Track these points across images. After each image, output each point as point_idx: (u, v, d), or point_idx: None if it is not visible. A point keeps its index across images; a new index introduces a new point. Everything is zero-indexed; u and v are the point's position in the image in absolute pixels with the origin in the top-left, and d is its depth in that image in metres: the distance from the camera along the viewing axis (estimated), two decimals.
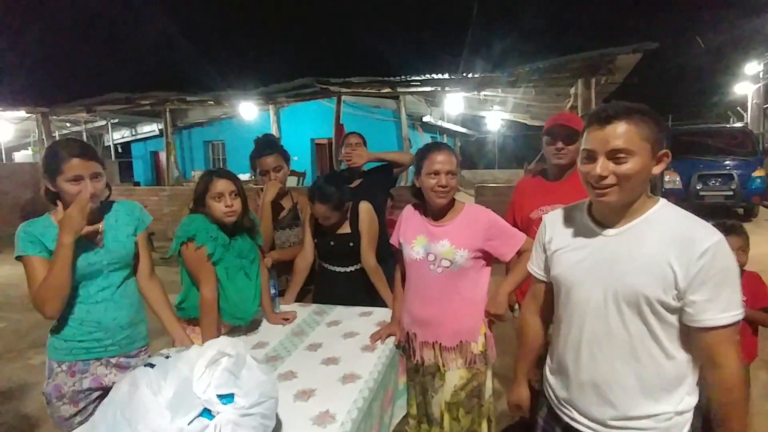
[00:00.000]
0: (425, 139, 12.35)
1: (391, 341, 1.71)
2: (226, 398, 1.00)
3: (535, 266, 1.23)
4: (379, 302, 2.02)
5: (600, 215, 1.05)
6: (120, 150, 14.02)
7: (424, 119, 11.77)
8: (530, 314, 1.28)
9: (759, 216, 8.30)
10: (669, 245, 0.92)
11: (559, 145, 1.77)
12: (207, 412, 0.98)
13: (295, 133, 10.75)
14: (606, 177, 0.95)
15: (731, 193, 7.84)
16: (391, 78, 6.58)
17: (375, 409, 1.41)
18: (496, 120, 12.83)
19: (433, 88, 6.85)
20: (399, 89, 7.24)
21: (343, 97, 7.92)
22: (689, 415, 0.99)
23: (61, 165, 1.33)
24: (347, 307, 2.03)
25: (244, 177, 8.19)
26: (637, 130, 0.93)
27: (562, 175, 1.83)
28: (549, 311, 1.22)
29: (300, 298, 2.18)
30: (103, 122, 11.87)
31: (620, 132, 0.93)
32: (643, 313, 0.95)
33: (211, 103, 8.20)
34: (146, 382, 0.99)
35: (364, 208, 2.07)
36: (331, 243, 2.05)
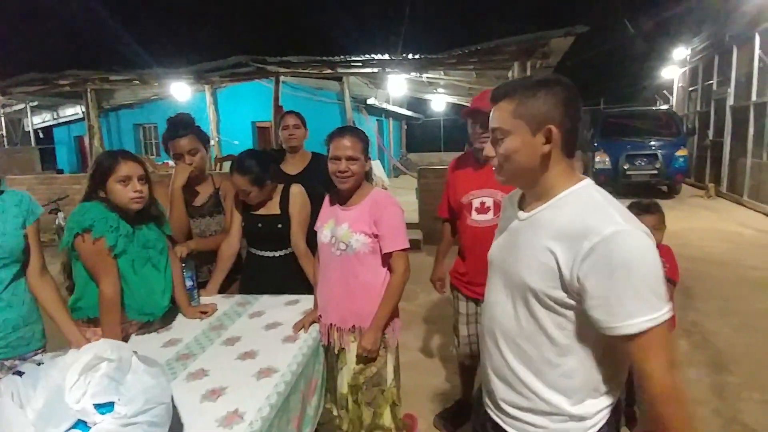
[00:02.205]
0: (370, 122, 12.23)
1: (315, 329, 1.65)
2: (105, 407, 0.89)
3: None
4: (310, 289, 1.95)
5: (522, 198, 1.00)
6: (41, 135, 12.79)
7: (369, 102, 11.63)
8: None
9: (681, 193, 9.00)
10: (558, 234, 0.84)
11: (478, 129, 1.77)
12: (82, 424, 0.87)
13: (234, 116, 10.27)
14: (494, 158, 0.94)
15: (656, 172, 8.44)
16: (332, 58, 6.39)
17: (293, 403, 1.35)
18: (440, 103, 12.94)
19: (374, 70, 6.73)
20: (340, 70, 7.07)
21: (283, 78, 7.62)
22: (592, 422, 0.88)
23: None
24: (273, 296, 1.94)
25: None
26: (511, 108, 0.88)
27: (488, 160, 1.82)
28: None
29: (226, 288, 2.05)
30: (22, 105, 10.74)
31: (496, 113, 0.91)
32: (530, 306, 0.88)
33: (137, 82, 7.59)
34: (12, 392, 0.87)
35: (296, 191, 2.01)
36: (259, 225, 1.95)
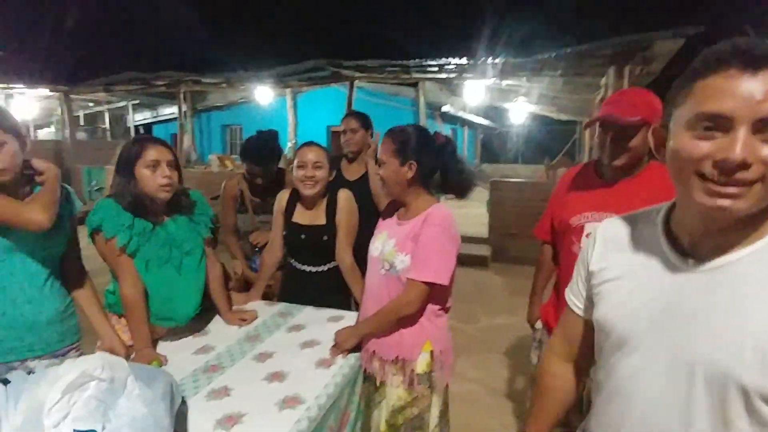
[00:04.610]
0: (445, 130, 11.95)
1: (355, 356, 1.45)
2: None
3: (573, 294, 0.84)
4: (355, 307, 1.77)
5: (690, 236, 0.64)
6: (142, 131, 14.15)
7: (444, 109, 11.35)
8: (555, 358, 0.89)
9: None
10: None
11: (610, 141, 1.34)
12: None
13: (311, 120, 10.55)
14: (749, 165, 0.53)
15: None
16: (407, 62, 6.25)
17: None
18: (520, 112, 12.29)
19: (450, 75, 6.48)
20: (415, 75, 6.89)
21: (358, 84, 7.63)
22: None
23: None
24: (317, 309, 1.77)
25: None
26: None
27: (618, 178, 1.39)
28: (586, 358, 0.84)
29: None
30: (124, 103, 11.94)
31: None
32: (727, 408, 0.57)
33: (224, 85, 8.04)
34: None
35: (343, 196, 1.82)
36: (302, 236, 1.80)
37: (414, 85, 8.74)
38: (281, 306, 1.83)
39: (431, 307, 1.38)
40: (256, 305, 1.82)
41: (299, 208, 1.83)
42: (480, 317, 3.61)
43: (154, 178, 1.37)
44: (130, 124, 12.56)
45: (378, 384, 1.44)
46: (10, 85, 8.36)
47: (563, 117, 9.86)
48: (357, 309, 1.73)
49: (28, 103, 9.98)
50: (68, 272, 1.40)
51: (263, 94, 8.36)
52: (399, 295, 1.34)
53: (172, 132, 14.00)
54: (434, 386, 1.38)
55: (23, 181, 1.27)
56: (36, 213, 1.19)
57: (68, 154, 8.74)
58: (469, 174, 1.42)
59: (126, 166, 1.38)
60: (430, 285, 1.30)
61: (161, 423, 0.84)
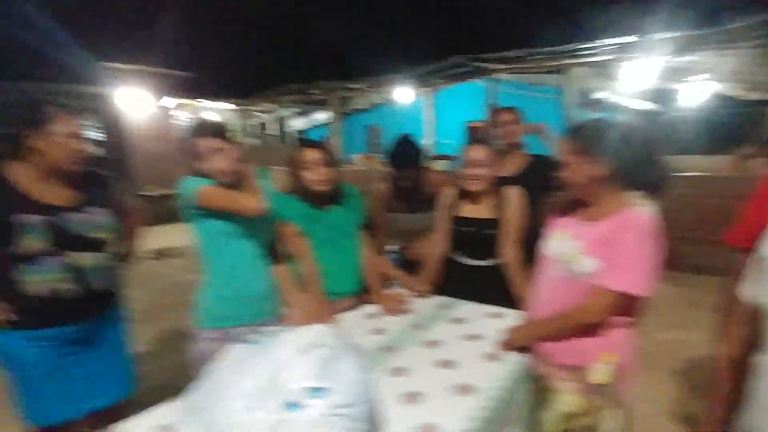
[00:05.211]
0: (597, 118, 10.80)
1: (525, 354, 1.45)
2: (317, 392, 0.92)
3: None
4: (515, 306, 1.75)
5: None
6: (299, 136, 16.05)
7: (595, 95, 10.28)
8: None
9: None
10: None
11: None
12: (293, 404, 0.92)
13: (449, 117, 10.60)
14: None
15: None
16: (555, 48, 5.84)
17: (493, 431, 1.20)
18: (694, 93, 10.43)
19: (607, 57, 5.84)
20: (565, 61, 6.39)
21: (498, 76, 7.41)
22: None
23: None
24: (474, 305, 1.81)
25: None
26: None
27: None
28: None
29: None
30: (287, 111, 13.62)
31: None
32: None
33: (370, 89, 8.60)
34: (240, 359, 0.97)
35: (513, 193, 1.84)
36: (467, 229, 1.85)
37: (559, 72, 8.13)
38: (439, 299, 1.91)
39: (619, 318, 1.28)
40: (414, 296, 1.93)
41: (465, 203, 1.89)
42: (648, 330, 3.22)
43: (312, 175, 1.68)
44: (290, 129, 14.31)
45: (546, 387, 1.41)
46: (199, 100, 10.23)
47: (756, 96, 8.10)
48: (516, 307, 1.73)
49: (213, 116, 12.09)
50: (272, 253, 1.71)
51: (403, 94, 8.71)
52: (584, 302, 1.26)
53: (323, 135, 15.56)
54: (612, 399, 1.29)
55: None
56: (252, 201, 1.48)
57: (244, 157, 10.41)
58: (663, 168, 1.28)
59: (293, 167, 1.71)
60: (622, 295, 1.21)
61: (372, 388, 0.97)
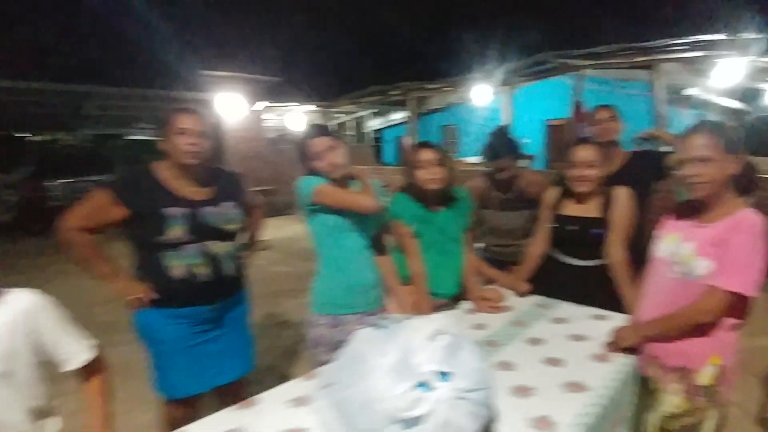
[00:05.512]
0: (687, 117, 9.88)
1: (632, 356, 1.43)
2: (443, 376, 1.01)
3: None
4: (619, 308, 1.72)
5: None
6: (376, 135, 16.52)
7: (687, 92, 9.38)
8: None
9: None
10: None
11: None
12: (424, 385, 1.01)
13: (527, 115, 10.26)
14: None
15: None
16: (647, 44, 5.48)
17: (604, 429, 1.21)
18: None
19: (702, 53, 5.38)
20: (657, 56, 5.95)
21: (584, 71, 7.05)
22: None
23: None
24: (576, 306, 1.80)
25: (474, 160, 8.37)
26: None
27: None
28: None
29: None
30: (365, 112, 14.06)
31: None
32: None
33: (449, 89, 8.60)
34: (374, 342, 1.08)
35: (622, 192, 1.81)
36: (571, 227, 1.83)
37: (650, 67, 7.55)
38: (538, 298, 1.91)
39: (728, 319, 1.28)
40: (510, 295, 1.96)
41: (569, 202, 1.87)
42: (740, 338, 2.98)
43: (425, 174, 1.75)
44: (367, 130, 14.76)
45: (652, 388, 1.41)
46: (287, 104, 10.87)
47: None
48: (620, 310, 1.70)
49: (299, 117, 12.78)
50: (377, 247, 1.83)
51: (481, 93, 8.58)
52: (696, 302, 1.26)
53: (397, 135, 15.79)
54: (715, 400, 1.29)
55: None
56: (367, 200, 1.60)
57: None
58: (752, 168, 1.32)
59: (408, 166, 1.81)
60: (734, 295, 1.21)
61: (492, 378, 1.04)
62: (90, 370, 1.19)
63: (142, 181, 1.64)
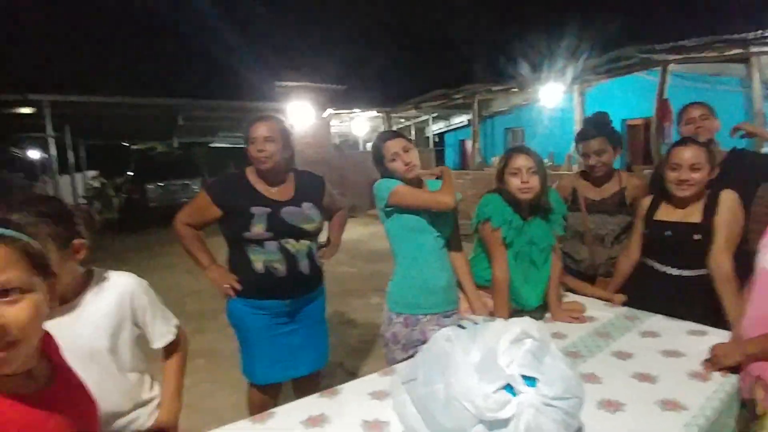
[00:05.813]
0: None
1: (735, 377, 1.30)
2: (529, 381, 0.98)
3: None
4: (718, 323, 1.57)
5: None
6: (437, 140, 16.40)
7: None
8: None
9: None
10: None
11: None
12: (509, 388, 0.99)
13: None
14: None
15: None
16: (742, 35, 4.96)
17: None
18: None
19: None
20: (753, 49, 5.37)
21: (669, 67, 6.53)
22: None
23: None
24: (669, 319, 1.67)
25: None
26: None
27: None
28: None
29: None
30: (426, 117, 14.07)
31: None
32: None
33: (515, 90, 8.36)
34: (458, 341, 1.08)
35: (728, 197, 1.64)
36: (668, 233, 1.70)
37: (745, 60, 6.82)
38: (623, 309, 1.80)
39: None
40: (595, 303, 1.86)
41: (665, 207, 1.75)
42: None
43: (515, 182, 1.66)
44: (429, 134, 14.71)
45: (757, 413, 1.26)
46: (351, 111, 11.16)
47: None
48: (719, 325, 1.55)
49: (362, 123, 13.05)
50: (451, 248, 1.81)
51: (549, 93, 8.24)
52: None
53: (460, 138, 15.59)
54: None
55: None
56: (447, 197, 1.61)
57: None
58: None
59: (500, 172, 1.73)
60: None
61: (581, 386, 1.00)
62: (172, 348, 1.32)
63: (233, 183, 1.83)
